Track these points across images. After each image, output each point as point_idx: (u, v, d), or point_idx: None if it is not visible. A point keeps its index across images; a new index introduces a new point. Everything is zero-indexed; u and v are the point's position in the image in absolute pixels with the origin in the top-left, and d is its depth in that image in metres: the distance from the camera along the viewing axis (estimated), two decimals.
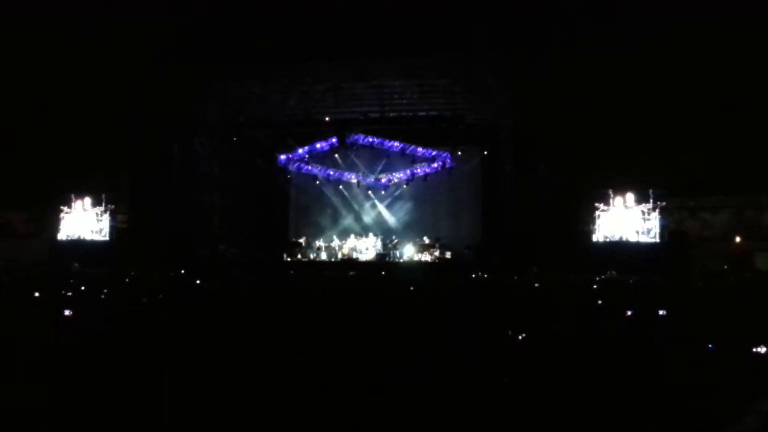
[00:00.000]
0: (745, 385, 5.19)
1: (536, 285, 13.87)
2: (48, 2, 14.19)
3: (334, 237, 22.88)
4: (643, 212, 18.47)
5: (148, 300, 11.03)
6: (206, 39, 18.16)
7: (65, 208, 20.96)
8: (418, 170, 22.66)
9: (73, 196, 20.97)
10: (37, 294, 11.02)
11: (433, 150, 21.92)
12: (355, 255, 21.94)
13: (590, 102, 18.00)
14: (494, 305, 10.51)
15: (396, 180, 23.56)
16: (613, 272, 17.25)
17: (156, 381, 5.27)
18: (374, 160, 23.16)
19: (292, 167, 23.26)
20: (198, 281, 14.74)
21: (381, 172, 23.55)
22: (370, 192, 23.82)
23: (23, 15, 14.70)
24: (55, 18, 14.85)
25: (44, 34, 15.75)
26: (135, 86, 19.18)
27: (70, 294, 11.32)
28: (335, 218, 23.94)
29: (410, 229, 22.79)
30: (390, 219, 23.71)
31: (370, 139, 22.03)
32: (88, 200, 21.00)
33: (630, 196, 18.71)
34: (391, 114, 21.25)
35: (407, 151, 22.16)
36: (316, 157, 23.08)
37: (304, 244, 22.60)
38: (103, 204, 20.87)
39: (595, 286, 13.75)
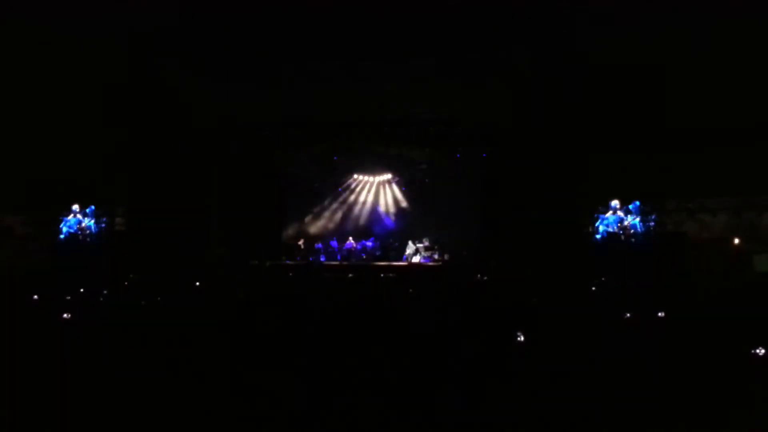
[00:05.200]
0: (744, 387, 5.20)
1: (534, 287, 13.86)
2: (48, 4, 14.16)
3: (333, 239, 22.89)
4: (642, 213, 18.46)
5: (147, 302, 11.03)
6: (205, 39, 18.12)
7: (64, 211, 20.94)
8: (418, 172, 22.73)
9: (71, 199, 20.94)
10: (35, 296, 11.02)
11: None
12: (354, 257, 21.96)
13: (589, 103, 17.98)
14: (493, 307, 10.51)
15: (395, 182, 23.60)
16: (612, 274, 17.23)
17: (155, 383, 5.27)
18: (373, 162, 23.18)
19: (291, 169, 23.27)
20: (197, 283, 14.73)
21: (379, 174, 23.59)
22: (369, 194, 23.83)
23: (22, 17, 14.69)
24: (54, 19, 14.83)
25: (44, 36, 15.73)
26: (134, 87, 19.16)
27: (68, 296, 11.31)
28: (334, 221, 23.96)
29: (409, 232, 22.79)
30: (389, 221, 23.72)
31: (369, 142, 22.05)
32: (86, 202, 20.97)
33: (629, 198, 18.70)
34: (391, 116, 21.26)
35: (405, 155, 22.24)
36: (315, 160, 23.09)
37: (303, 247, 22.60)
38: (102, 206, 20.83)
39: (593, 288, 13.74)
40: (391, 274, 18.60)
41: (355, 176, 24.00)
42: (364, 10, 14.85)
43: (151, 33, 16.25)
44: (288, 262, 21.76)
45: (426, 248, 21.44)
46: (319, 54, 17.77)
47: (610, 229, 18.67)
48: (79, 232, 20.80)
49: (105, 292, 12.41)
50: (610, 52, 16.66)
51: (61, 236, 20.78)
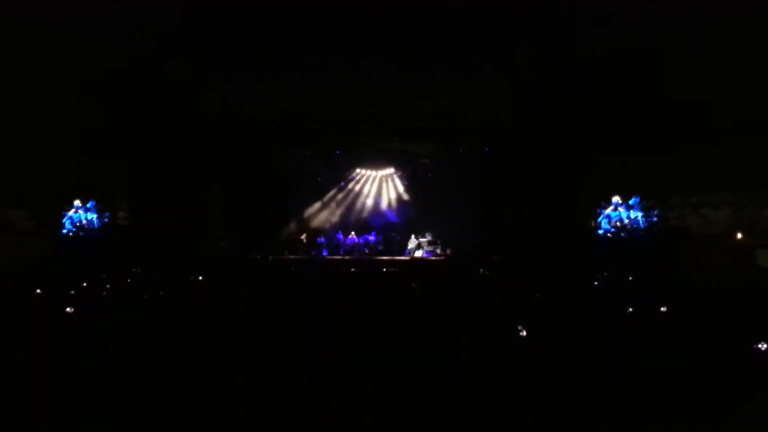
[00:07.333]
0: (746, 382, 5.20)
1: (536, 282, 13.87)
2: (48, 4, 14.17)
3: (339, 233, 22.92)
4: (644, 209, 18.47)
5: (150, 297, 11.05)
6: (205, 38, 18.12)
7: (66, 205, 20.99)
8: (420, 167, 22.74)
9: (74, 193, 20.99)
10: (38, 290, 11.05)
11: None
12: (356, 252, 21.98)
13: (591, 100, 17.96)
14: (495, 302, 10.53)
15: (397, 177, 23.61)
16: (614, 269, 17.23)
17: (158, 378, 5.28)
18: (375, 157, 23.18)
19: (293, 164, 23.29)
20: (200, 278, 14.76)
21: (382, 168, 23.59)
22: (371, 189, 23.84)
23: (22, 17, 14.71)
24: (54, 19, 14.84)
25: (44, 36, 15.74)
26: (135, 84, 19.17)
27: (71, 291, 11.34)
28: (336, 215, 23.99)
29: (411, 226, 22.79)
30: (391, 216, 23.75)
31: (371, 136, 22.03)
32: (89, 197, 21.01)
33: (631, 193, 18.70)
34: (392, 111, 21.23)
35: (408, 150, 22.21)
36: (317, 155, 23.10)
37: (305, 241, 22.62)
38: (104, 201, 20.89)
39: (595, 283, 13.75)
40: (393, 269, 18.62)
41: (358, 170, 24.02)
42: (366, 9, 14.82)
43: (151, 33, 16.23)
44: (290, 256, 21.77)
45: (429, 243, 21.44)
46: (320, 52, 17.76)
47: (614, 223, 18.68)
48: (82, 227, 20.86)
49: (108, 286, 12.44)
50: (610, 52, 16.63)
51: (64, 231, 20.83)
